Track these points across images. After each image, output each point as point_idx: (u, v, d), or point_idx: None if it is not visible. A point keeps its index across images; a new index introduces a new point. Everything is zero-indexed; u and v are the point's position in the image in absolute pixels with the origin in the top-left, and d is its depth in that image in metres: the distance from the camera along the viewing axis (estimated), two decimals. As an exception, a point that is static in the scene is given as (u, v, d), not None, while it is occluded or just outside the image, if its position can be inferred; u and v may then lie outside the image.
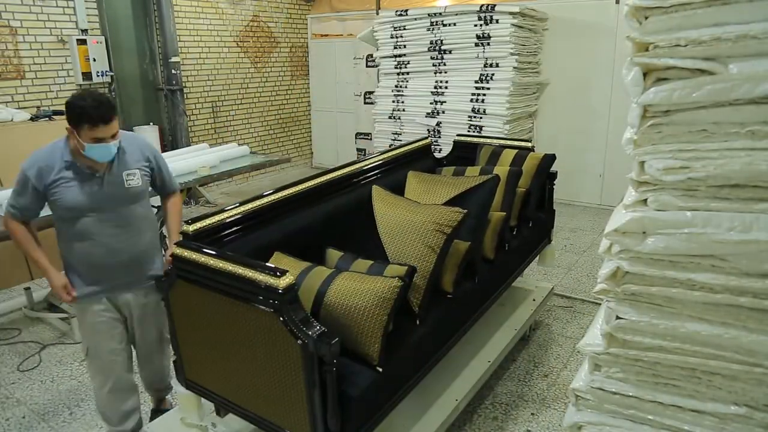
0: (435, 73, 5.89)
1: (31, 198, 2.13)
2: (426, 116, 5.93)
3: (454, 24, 5.56)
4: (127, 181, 2.22)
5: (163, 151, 6.03)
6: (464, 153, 3.61)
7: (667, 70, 1.29)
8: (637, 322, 1.44)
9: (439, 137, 5.82)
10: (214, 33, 6.99)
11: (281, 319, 1.67)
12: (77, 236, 2.18)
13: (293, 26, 8.17)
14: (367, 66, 7.62)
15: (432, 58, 5.85)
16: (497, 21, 5.28)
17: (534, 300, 3.42)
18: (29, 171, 2.10)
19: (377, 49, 6.28)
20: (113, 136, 2.09)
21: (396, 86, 6.17)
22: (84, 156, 2.09)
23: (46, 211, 3.11)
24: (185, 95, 6.54)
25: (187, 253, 1.92)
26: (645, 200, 1.38)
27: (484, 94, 5.53)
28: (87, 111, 2.00)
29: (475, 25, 5.42)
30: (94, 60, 5.59)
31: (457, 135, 3.79)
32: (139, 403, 2.53)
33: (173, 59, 6.20)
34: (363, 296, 1.88)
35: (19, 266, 4.34)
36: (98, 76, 5.64)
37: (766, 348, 1.31)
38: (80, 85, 5.60)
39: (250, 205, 2.31)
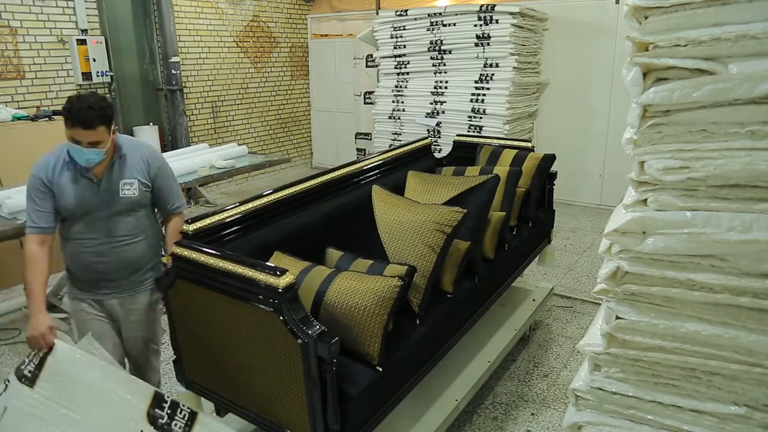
0: (435, 73, 5.89)
1: (46, 200, 2.09)
2: (426, 116, 5.93)
3: (454, 24, 5.56)
4: (122, 190, 2.17)
5: (163, 151, 6.04)
6: (464, 153, 3.61)
7: (667, 70, 1.29)
8: (636, 322, 1.44)
9: (439, 137, 5.82)
10: (214, 33, 6.99)
11: (281, 318, 1.67)
12: (68, 236, 2.19)
13: (293, 26, 8.17)
14: (367, 66, 7.62)
15: (432, 58, 5.85)
16: (497, 21, 5.28)
17: (534, 300, 3.42)
18: (39, 172, 2.09)
19: (377, 49, 6.28)
20: (94, 144, 2.03)
21: (396, 86, 6.17)
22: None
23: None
24: (185, 95, 6.55)
25: (186, 253, 1.92)
26: (645, 200, 1.38)
27: (484, 94, 5.53)
28: (70, 110, 1.97)
29: (475, 25, 5.42)
30: (94, 60, 5.59)
31: (457, 135, 3.80)
32: None
33: (173, 59, 6.20)
34: (363, 296, 1.88)
35: (19, 266, 4.34)
36: (98, 76, 5.64)
37: (766, 348, 1.31)
38: (80, 85, 5.60)
39: (250, 205, 2.31)
